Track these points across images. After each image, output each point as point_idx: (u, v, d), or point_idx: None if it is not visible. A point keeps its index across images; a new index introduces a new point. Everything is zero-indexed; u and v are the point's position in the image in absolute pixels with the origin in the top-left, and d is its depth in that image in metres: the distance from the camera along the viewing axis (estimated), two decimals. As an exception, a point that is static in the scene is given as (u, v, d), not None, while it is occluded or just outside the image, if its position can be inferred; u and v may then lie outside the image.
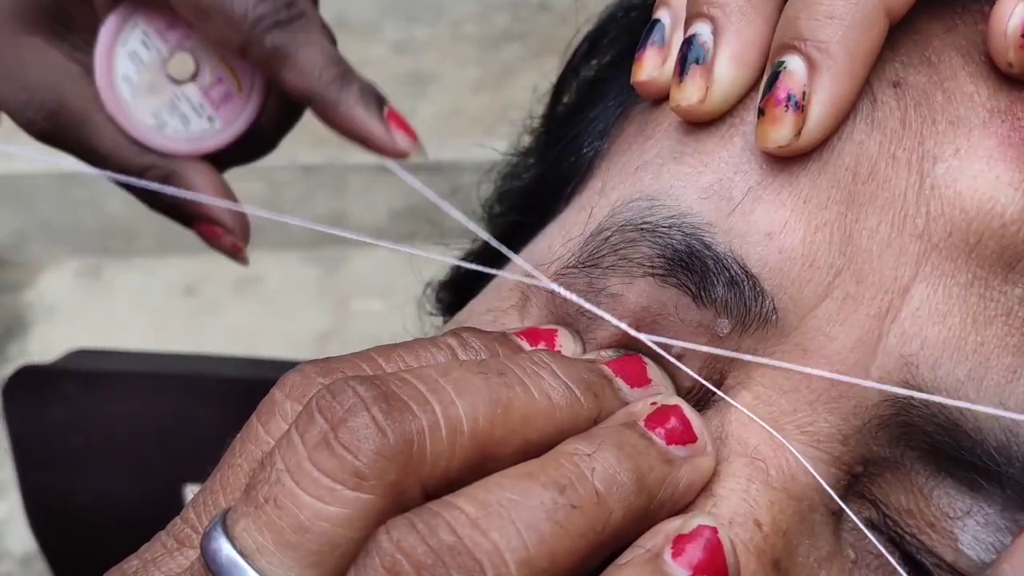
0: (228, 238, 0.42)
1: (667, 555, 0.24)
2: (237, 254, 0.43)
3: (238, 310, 1.65)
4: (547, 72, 0.45)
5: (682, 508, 0.27)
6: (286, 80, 0.39)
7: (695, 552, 0.24)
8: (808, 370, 0.28)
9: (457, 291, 0.47)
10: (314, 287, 1.67)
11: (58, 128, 0.41)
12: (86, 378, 0.64)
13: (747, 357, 0.28)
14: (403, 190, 1.67)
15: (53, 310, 1.67)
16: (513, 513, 0.23)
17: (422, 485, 0.24)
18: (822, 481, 0.28)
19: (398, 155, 0.39)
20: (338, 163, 1.67)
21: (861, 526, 0.28)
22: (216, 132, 0.42)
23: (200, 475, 0.35)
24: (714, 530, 0.25)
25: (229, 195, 0.42)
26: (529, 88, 0.47)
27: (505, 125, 0.48)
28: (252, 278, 1.67)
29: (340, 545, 0.23)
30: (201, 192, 0.41)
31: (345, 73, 0.39)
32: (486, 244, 0.47)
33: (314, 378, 0.27)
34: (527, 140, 0.46)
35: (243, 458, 0.27)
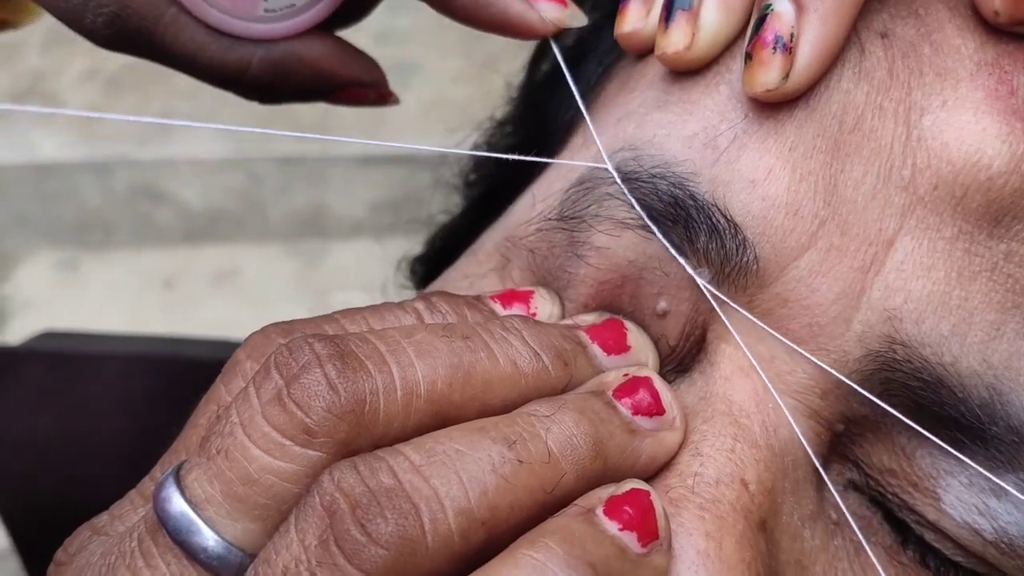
0: (372, 92, 0.37)
1: (599, 510, 0.24)
2: (387, 99, 0.38)
3: (216, 303, 1.64)
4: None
5: (642, 479, 0.26)
6: None
7: (626, 510, 0.24)
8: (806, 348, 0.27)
9: (432, 264, 0.46)
10: (293, 280, 1.66)
11: (125, 32, 0.34)
12: (55, 360, 0.63)
13: None
14: (383, 182, 1.66)
15: (30, 303, 1.65)
16: (458, 463, 0.23)
17: (375, 445, 0.24)
18: (800, 434, 0.27)
19: (546, 31, 0.32)
20: (318, 155, 1.66)
21: (833, 491, 0.28)
22: (306, 7, 0.35)
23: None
24: (647, 493, 0.25)
25: (353, 50, 0.36)
26: (513, 79, 0.46)
27: (488, 116, 0.47)
28: (231, 271, 1.66)
29: (287, 500, 0.23)
30: (328, 63, 0.35)
31: None
32: (462, 218, 0.47)
33: (275, 338, 0.27)
34: (502, 112, 0.45)
35: (205, 417, 0.27)
